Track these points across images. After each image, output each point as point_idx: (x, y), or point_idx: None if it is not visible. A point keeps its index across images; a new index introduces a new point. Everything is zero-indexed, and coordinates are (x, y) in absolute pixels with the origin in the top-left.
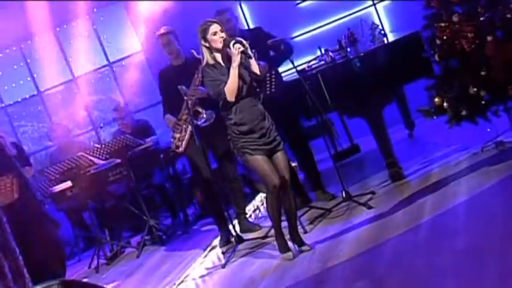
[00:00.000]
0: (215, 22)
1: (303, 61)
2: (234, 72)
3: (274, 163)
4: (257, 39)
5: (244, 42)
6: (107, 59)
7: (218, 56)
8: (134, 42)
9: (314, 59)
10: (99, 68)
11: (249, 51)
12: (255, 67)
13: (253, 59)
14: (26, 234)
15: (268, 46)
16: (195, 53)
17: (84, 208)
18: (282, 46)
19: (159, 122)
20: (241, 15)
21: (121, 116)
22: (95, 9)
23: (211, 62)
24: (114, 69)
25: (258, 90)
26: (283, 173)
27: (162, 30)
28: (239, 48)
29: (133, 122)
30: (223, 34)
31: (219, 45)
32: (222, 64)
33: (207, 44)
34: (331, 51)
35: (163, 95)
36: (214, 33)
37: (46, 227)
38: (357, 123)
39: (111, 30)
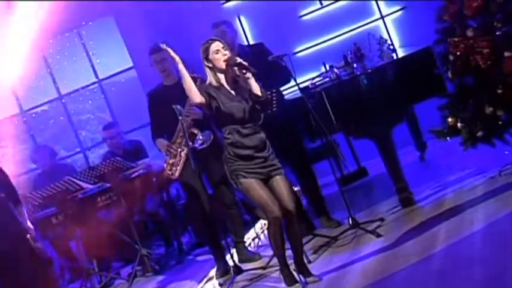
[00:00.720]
0: (217, 40)
1: (306, 78)
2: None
3: (273, 189)
4: (259, 56)
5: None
6: (96, 76)
7: (222, 77)
8: (125, 58)
9: (318, 75)
10: (88, 86)
11: (250, 67)
12: (255, 88)
13: (252, 79)
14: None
15: (270, 63)
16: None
17: (71, 236)
18: (284, 63)
19: (152, 143)
20: (240, 29)
21: (111, 137)
22: (83, 23)
23: (214, 83)
24: (104, 86)
25: (261, 114)
26: (286, 203)
27: (155, 47)
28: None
29: (124, 143)
30: (226, 52)
31: (223, 65)
32: (227, 86)
33: (210, 64)
34: (337, 68)
35: (152, 117)
36: (217, 52)
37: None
38: (364, 144)
39: (100, 44)
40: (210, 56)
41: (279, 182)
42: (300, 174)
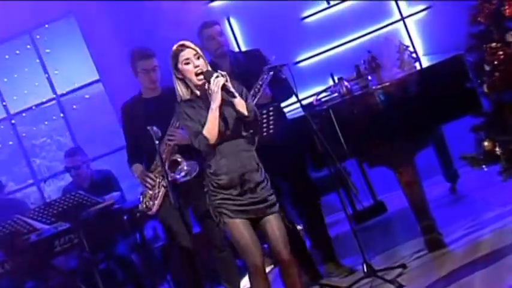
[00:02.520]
0: (188, 46)
1: (310, 93)
2: (213, 115)
3: (265, 231)
4: (255, 65)
5: (223, 74)
6: (53, 91)
7: (196, 91)
8: (90, 68)
9: (325, 90)
10: (43, 103)
11: (232, 89)
12: (241, 106)
13: (237, 98)
14: None
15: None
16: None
17: None
18: (283, 76)
19: (124, 172)
20: (230, 33)
21: (75, 166)
22: (37, 25)
23: (186, 96)
24: (63, 103)
25: (250, 132)
26: (279, 247)
27: (145, 51)
28: (219, 82)
29: (91, 173)
30: (199, 62)
31: (194, 77)
32: (200, 98)
33: (179, 75)
34: (347, 80)
35: (128, 137)
36: (187, 61)
37: None
38: (381, 174)
39: (59, 52)
40: (179, 66)
41: (272, 222)
42: (304, 209)
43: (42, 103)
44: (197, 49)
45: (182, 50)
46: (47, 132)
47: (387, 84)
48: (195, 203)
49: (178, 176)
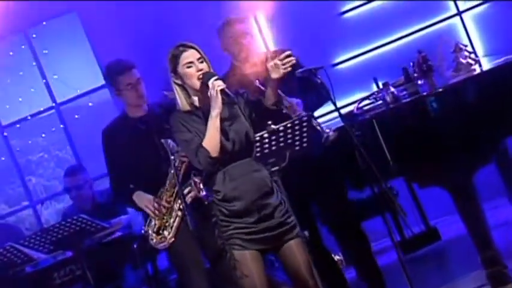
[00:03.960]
0: (191, 46)
1: (350, 100)
2: (213, 123)
3: (285, 260)
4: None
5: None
6: (52, 98)
7: (196, 99)
8: (94, 72)
9: (367, 96)
10: (40, 112)
11: (231, 94)
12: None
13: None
14: None
15: (299, 80)
16: (169, 95)
17: None
18: (318, 80)
19: None
20: (257, 31)
21: (76, 186)
22: (34, 22)
23: (186, 108)
24: (64, 113)
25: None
26: (303, 278)
27: (124, 63)
28: (219, 86)
29: (94, 194)
30: (203, 66)
31: (196, 83)
32: (201, 111)
33: (178, 81)
34: (394, 86)
35: (114, 165)
36: (189, 65)
37: None
38: (434, 195)
39: (59, 53)
40: (179, 69)
41: (293, 248)
42: (345, 237)
43: (39, 112)
44: (201, 52)
45: (184, 51)
46: (45, 147)
47: (441, 90)
48: (205, 239)
49: (208, 197)
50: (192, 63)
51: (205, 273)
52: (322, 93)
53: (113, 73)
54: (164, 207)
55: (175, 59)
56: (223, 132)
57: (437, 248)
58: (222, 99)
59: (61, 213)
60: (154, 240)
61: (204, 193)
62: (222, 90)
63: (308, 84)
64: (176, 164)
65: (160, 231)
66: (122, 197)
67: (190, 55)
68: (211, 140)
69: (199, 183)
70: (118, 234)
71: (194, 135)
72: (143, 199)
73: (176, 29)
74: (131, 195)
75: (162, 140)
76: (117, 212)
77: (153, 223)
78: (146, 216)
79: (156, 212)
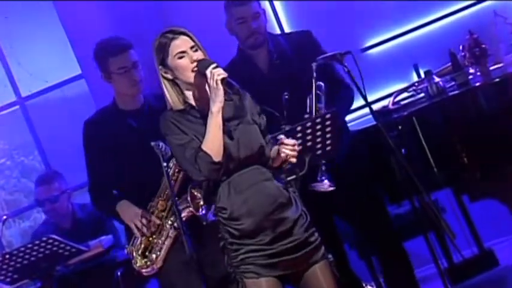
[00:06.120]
0: (182, 33)
1: (384, 93)
2: (214, 120)
3: None
4: (305, 53)
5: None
6: (16, 92)
7: (190, 95)
8: (69, 61)
9: (406, 88)
10: (1, 109)
11: (236, 85)
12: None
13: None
14: None
15: (321, 67)
16: None
17: None
18: (345, 68)
19: None
20: (271, 11)
21: (49, 197)
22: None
23: (178, 106)
24: (30, 109)
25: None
26: None
27: (120, 42)
28: (219, 74)
29: (73, 208)
30: (197, 55)
31: (190, 77)
32: (197, 109)
33: (168, 75)
34: (438, 75)
35: (95, 166)
36: (181, 55)
37: None
38: (489, 210)
39: (26, 39)
40: (169, 61)
41: (318, 275)
42: (384, 261)
43: (1, 108)
44: (195, 38)
45: (174, 39)
46: (6, 152)
47: (498, 80)
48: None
49: (203, 213)
50: (184, 52)
51: None
52: (346, 94)
53: (104, 52)
54: (154, 224)
55: (163, 48)
56: (226, 132)
57: (493, 276)
58: (224, 90)
59: (30, 234)
60: (138, 264)
61: (203, 211)
62: (223, 80)
63: (332, 73)
64: (170, 173)
65: (147, 253)
66: (102, 206)
67: (181, 43)
68: (213, 141)
69: (199, 199)
70: (99, 259)
71: (191, 137)
72: (129, 212)
73: (167, 12)
74: (114, 205)
75: (152, 143)
76: (99, 231)
77: (138, 241)
78: (130, 232)
79: (144, 229)
